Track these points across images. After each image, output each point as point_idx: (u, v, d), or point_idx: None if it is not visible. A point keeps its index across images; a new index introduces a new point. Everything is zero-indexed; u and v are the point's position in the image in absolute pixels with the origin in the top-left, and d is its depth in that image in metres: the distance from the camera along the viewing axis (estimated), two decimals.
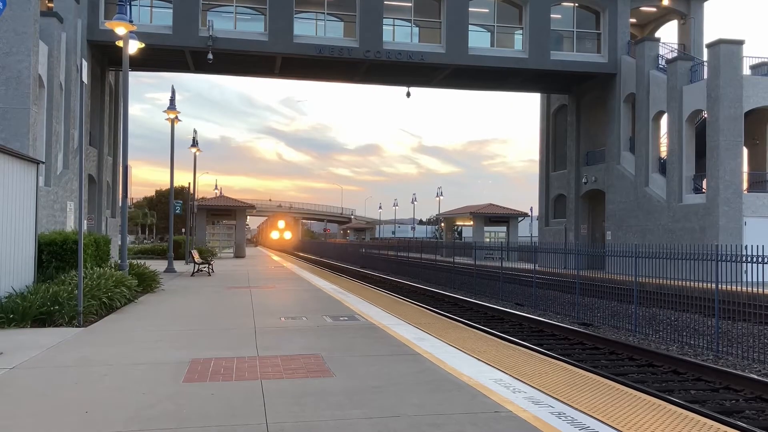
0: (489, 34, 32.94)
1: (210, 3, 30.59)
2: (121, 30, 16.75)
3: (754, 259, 12.45)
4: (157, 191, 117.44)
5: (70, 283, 12.46)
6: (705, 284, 14.13)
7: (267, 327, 10.90)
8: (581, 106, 37.67)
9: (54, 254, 14.50)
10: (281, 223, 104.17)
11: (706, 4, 35.47)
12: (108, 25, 18.03)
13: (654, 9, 36.00)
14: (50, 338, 9.64)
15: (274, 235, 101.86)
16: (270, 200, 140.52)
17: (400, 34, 32.04)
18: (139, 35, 20.53)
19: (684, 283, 14.86)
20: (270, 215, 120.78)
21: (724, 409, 9.04)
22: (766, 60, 30.32)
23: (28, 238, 13.27)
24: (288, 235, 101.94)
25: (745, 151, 29.45)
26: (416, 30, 32.38)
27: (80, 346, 9.13)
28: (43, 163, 17.69)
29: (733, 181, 27.10)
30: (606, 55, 33.63)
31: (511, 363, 8.06)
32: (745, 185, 28.26)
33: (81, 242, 11.57)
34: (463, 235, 69.83)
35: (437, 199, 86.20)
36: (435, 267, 33.15)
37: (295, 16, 30.65)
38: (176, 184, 46.58)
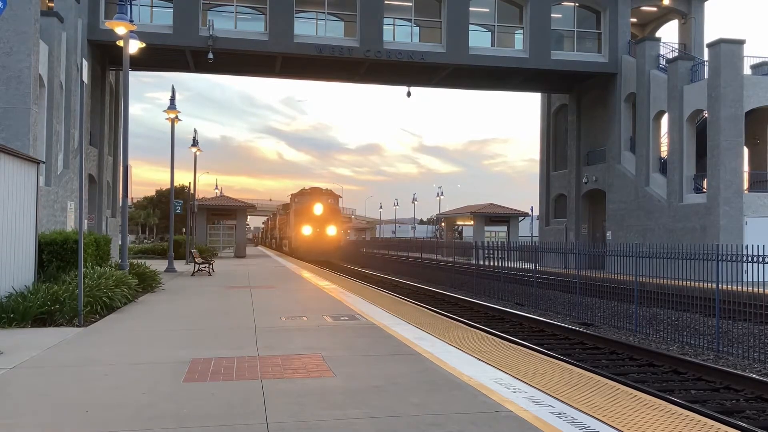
0: (489, 33, 32.93)
1: (210, 2, 30.59)
2: (121, 30, 16.74)
3: (755, 259, 12.44)
4: (157, 191, 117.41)
5: (71, 282, 12.46)
6: (706, 284, 14.12)
7: (267, 326, 10.90)
8: (582, 106, 37.65)
9: (54, 254, 14.49)
10: (318, 208, 50.04)
11: (706, 3, 35.45)
12: (108, 24, 18.02)
13: (655, 9, 35.98)
14: (51, 338, 9.64)
15: (306, 230, 50.01)
16: (270, 200, 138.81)
17: (400, 34, 32.04)
18: (140, 35, 20.52)
19: (685, 282, 14.85)
20: (292, 196, 56.15)
21: (725, 408, 9.03)
22: (766, 60, 30.29)
23: (29, 237, 13.27)
24: (332, 231, 50.38)
25: (745, 150, 29.44)
26: (417, 29, 32.38)
27: (81, 346, 9.14)
28: (43, 162, 17.71)
29: (733, 180, 27.09)
30: (606, 54, 33.62)
31: (511, 363, 8.05)
32: (745, 185, 28.25)
33: (81, 242, 11.57)
34: (464, 234, 69.81)
35: (438, 198, 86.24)
36: (435, 267, 33.15)
37: (296, 15, 30.64)
38: (176, 183, 46.56)
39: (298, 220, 48.04)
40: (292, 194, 53.31)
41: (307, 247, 46.70)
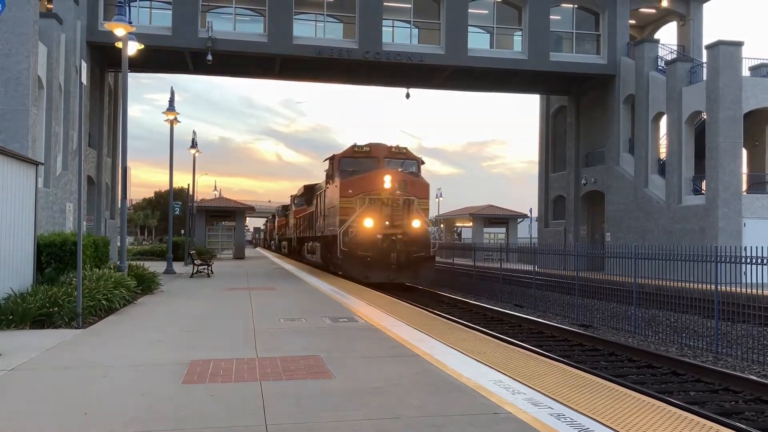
0: (488, 35, 32.98)
1: (209, 4, 30.61)
2: (120, 31, 16.74)
3: (753, 261, 12.45)
4: (156, 192, 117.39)
5: (69, 284, 12.45)
6: (704, 285, 14.12)
7: (266, 328, 10.89)
8: (581, 108, 37.70)
9: (53, 255, 14.49)
10: (390, 181, 22.56)
11: (705, 5, 35.54)
12: (107, 26, 18.06)
13: (653, 10, 36.04)
14: (49, 339, 9.63)
15: (367, 223, 22.16)
16: (269, 201, 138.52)
17: (399, 36, 32.08)
18: (139, 36, 20.52)
19: (683, 284, 14.86)
20: (335, 159, 25.59)
21: (724, 410, 9.03)
22: (765, 61, 30.34)
23: (28, 239, 13.26)
24: (417, 225, 22.73)
25: (744, 152, 29.48)
26: (416, 31, 32.42)
27: (79, 348, 9.13)
28: (42, 164, 17.71)
29: (732, 182, 27.11)
30: (605, 56, 33.66)
31: (510, 364, 8.05)
32: (744, 186, 28.29)
33: (80, 243, 11.56)
34: (463, 236, 69.81)
35: (437, 200, 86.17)
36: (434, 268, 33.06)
37: (295, 17, 30.66)
38: (175, 185, 46.50)
39: (348, 205, 23.63)
40: (334, 156, 26.06)
41: (374, 256, 22.31)
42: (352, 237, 22.72)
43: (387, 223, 22.71)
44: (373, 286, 21.28)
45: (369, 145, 25.23)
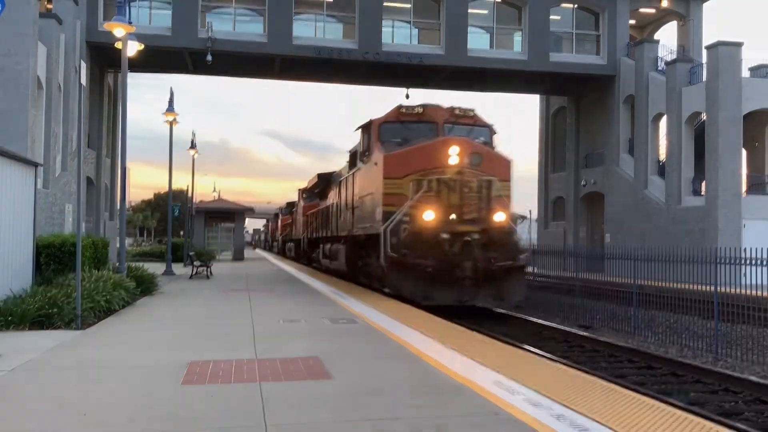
0: (488, 35, 32.99)
1: (209, 4, 30.63)
2: (119, 31, 16.70)
3: (752, 262, 12.45)
4: (155, 194, 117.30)
5: (69, 285, 12.43)
6: (704, 287, 14.12)
7: (265, 329, 10.87)
8: (580, 108, 37.70)
9: (52, 256, 14.46)
10: (457, 152, 15.47)
11: (705, 5, 35.57)
12: (107, 26, 18.01)
13: (653, 10, 36.06)
14: (49, 341, 9.61)
15: (427, 216, 15.09)
16: (269, 203, 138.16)
17: (399, 36, 32.08)
18: (138, 36, 20.47)
19: (683, 285, 14.85)
20: (371, 127, 17.84)
21: (724, 410, 9.02)
22: (765, 62, 30.35)
23: (27, 240, 13.24)
24: (500, 218, 15.76)
25: (744, 153, 29.47)
26: (415, 31, 32.42)
27: (79, 349, 9.11)
28: (41, 165, 17.69)
29: (732, 183, 27.10)
30: (605, 56, 33.67)
31: (510, 365, 8.03)
32: (744, 188, 28.28)
33: (79, 244, 11.54)
34: None
35: None
36: None
37: (294, 17, 30.67)
38: (174, 186, 46.35)
39: (396, 191, 16.39)
40: (372, 122, 18.17)
41: (438, 266, 15.43)
42: (403, 237, 15.75)
43: (455, 216, 15.85)
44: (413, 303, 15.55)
45: (423, 105, 17.86)
